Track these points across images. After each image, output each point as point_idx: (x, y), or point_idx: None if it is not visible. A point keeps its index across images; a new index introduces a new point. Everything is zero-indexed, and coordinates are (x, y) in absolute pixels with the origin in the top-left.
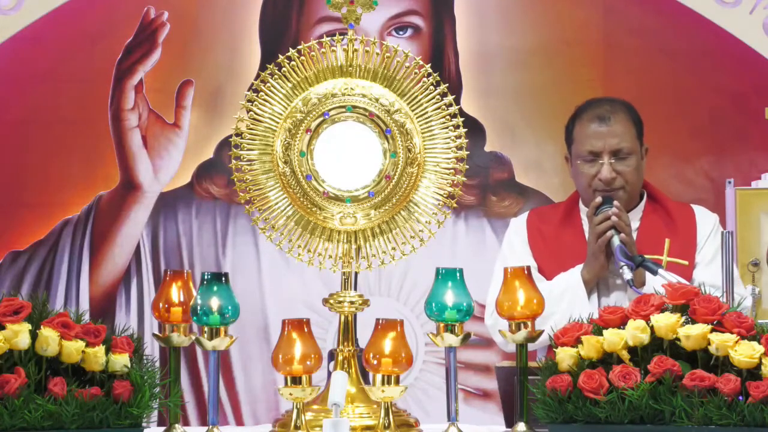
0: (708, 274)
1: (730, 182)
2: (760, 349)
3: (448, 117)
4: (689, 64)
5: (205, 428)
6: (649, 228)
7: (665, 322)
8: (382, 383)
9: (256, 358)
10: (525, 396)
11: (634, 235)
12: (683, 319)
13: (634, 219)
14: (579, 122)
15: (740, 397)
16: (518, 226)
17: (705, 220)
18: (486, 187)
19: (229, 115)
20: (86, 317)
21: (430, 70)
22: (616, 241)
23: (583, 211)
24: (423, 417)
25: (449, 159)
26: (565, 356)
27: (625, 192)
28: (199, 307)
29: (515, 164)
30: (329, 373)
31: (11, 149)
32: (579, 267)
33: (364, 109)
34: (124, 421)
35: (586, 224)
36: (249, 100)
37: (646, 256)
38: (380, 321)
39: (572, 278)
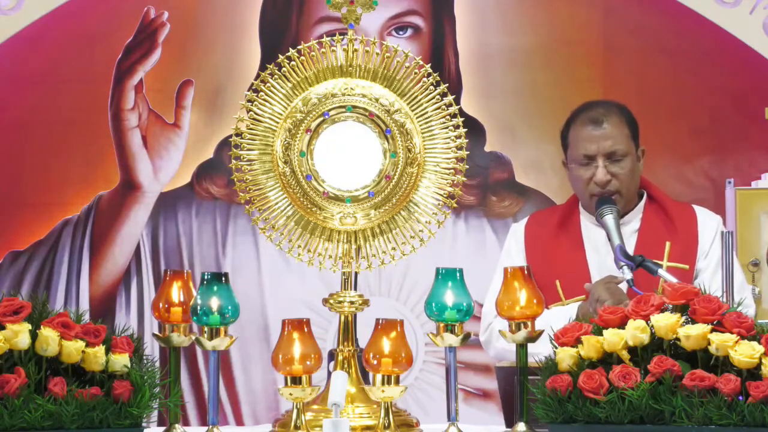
0: (716, 283)
1: (730, 182)
2: (760, 349)
3: (448, 117)
4: (689, 64)
5: (205, 428)
6: (648, 229)
7: (665, 322)
8: (382, 383)
9: (256, 358)
10: (525, 396)
11: (635, 236)
12: (683, 319)
13: (633, 220)
14: (573, 126)
15: (740, 397)
16: (517, 232)
17: (707, 222)
18: (486, 187)
19: (229, 115)
20: (86, 317)
21: (430, 70)
22: (616, 240)
23: (582, 214)
24: (423, 417)
25: (449, 159)
26: (565, 356)
27: (621, 196)
28: (199, 307)
29: (515, 164)
30: (329, 373)
31: (11, 149)
32: (574, 306)
33: (364, 109)
34: (124, 421)
35: (584, 228)
36: (249, 100)
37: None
38: (380, 321)
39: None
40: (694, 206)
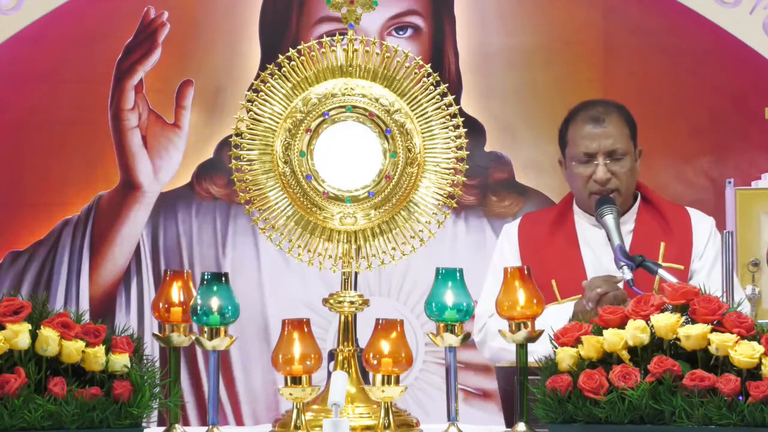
0: (710, 284)
1: (730, 182)
2: (760, 349)
3: (448, 117)
4: (689, 64)
5: (205, 428)
6: (643, 230)
7: (665, 322)
8: (382, 383)
9: (256, 358)
10: (525, 396)
11: (629, 237)
12: (683, 319)
13: (628, 221)
14: (573, 124)
15: (740, 397)
16: (510, 233)
17: (701, 223)
18: (486, 187)
19: (229, 115)
20: (86, 317)
21: (430, 70)
22: (616, 240)
23: (577, 213)
24: (423, 417)
25: (449, 159)
26: (565, 356)
27: (619, 194)
28: (199, 307)
29: (515, 164)
30: (329, 373)
31: (11, 149)
32: (570, 305)
33: (364, 109)
34: (124, 421)
35: (579, 227)
36: (249, 100)
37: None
38: (380, 321)
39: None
40: (688, 208)
